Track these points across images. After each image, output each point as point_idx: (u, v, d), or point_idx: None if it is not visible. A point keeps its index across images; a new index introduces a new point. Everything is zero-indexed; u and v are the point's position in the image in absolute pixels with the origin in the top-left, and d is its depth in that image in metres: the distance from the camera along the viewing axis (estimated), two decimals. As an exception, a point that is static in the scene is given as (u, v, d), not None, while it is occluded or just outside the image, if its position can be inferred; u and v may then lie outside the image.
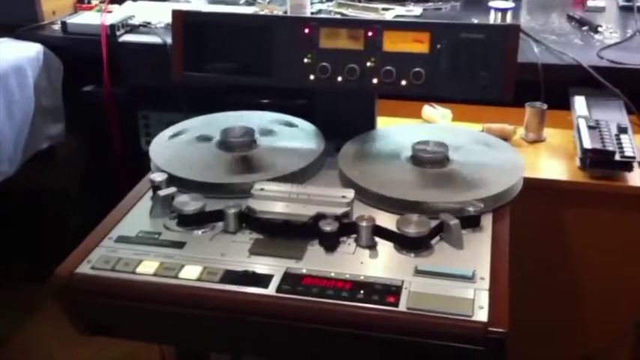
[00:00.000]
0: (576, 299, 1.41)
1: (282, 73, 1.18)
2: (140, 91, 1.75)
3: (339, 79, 1.16)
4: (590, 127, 1.35)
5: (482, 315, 0.84)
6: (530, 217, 1.28)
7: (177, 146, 1.22)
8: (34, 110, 1.73)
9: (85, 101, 1.80)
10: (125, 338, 1.04)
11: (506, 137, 1.44)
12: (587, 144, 1.30)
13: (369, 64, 1.15)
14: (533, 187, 1.20)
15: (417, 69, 1.14)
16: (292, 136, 1.25)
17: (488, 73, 1.12)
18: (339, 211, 0.98)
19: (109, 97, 1.74)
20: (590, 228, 1.35)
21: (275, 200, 1.01)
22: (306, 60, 1.17)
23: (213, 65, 1.22)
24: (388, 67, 1.14)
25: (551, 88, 1.51)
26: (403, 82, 1.15)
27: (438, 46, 1.13)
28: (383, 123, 1.35)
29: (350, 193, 1.02)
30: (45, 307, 1.80)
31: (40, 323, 1.85)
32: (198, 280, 0.91)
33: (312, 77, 1.17)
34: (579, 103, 1.47)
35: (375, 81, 1.16)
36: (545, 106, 1.44)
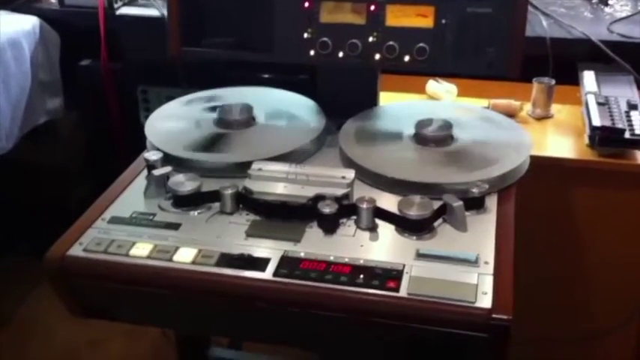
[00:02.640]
0: (583, 278, 1.39)
1: (281, 49, 1.14)
2: (139, 66, 1.72)
3: (340, 54, 1.12)
4: (599, 104, 1.32)
5: (485, 301, 0.81)
6: (536, 196, 1.26)
7: (174, 124, 1.18)
8: (30, 84, 1.71)
9: (83, 76, 1.76)
10: (120, 321, 1.02)
11: (512, 113, 1.40)
12: (597, 121, 1.26)
13: (371, 39, 1.11)
14: (540, 165, 1.16)
15: (421, 44, 1.10)
16: (292, 113, 1.21)
17: (494, 48, 1.08)
18: (339, 192, 0.95)
19: (107, 71, 1.71)
20: (599, 207, 1.32)
21: (273, 181, 0.98)
22: (306, 35, 1.13)
23: (211, 40, 1.18)
24: (391, 43, 1.10)
25: (560, 62, 1.47)
26: (406, 58, 1.11)
27: (443, 20, 1.09)
28: (386, 99, 1.31)
29: (350, 174, 0.99)
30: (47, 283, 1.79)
31: (43, 299, 1.84)
32: (193, 263, 0.88)
33: (312, 53, 1.13)
34: (588, 78, 1.43)
35: (377, 57, 1.12)
36: (553, 82, 1.41)
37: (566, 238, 1.36)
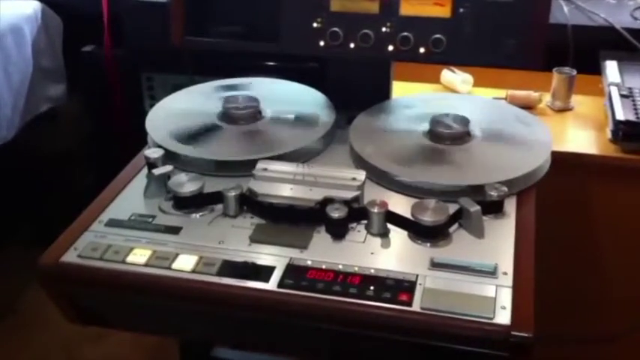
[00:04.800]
0: (602, 279, 1.34)
1: (289, 39, 1.08)
2: (143, 52, 1.66)
3: (352, 45, 1.06)
4: (622, 96, 1.26)
5: (504, 317, 0.76)
6: (555, 193, 1.19)
7: (176, 118, 1.13)
8: (32, 71, 1.66)
9: (86, 62, 1.71)
10: (118, 329, 0.97)
11: (531, 105, 1.35)
12: (620, 115, 1.21)
13: (384, 29, 1.05)
14: (560, 160, 1.10)
15: (438, 35, 1.03)
16: (300, 106, 1.16)
17: (515, 39, 1.02)
18: (349, 195, 0.90)
19: (110, 58, 1.66)
20: (621, 205, 1.27)
21: (279, 182, 0.93)
22: (315, 24, 1.07)
23: (215, 29, 1.12)
24: (405, 34, 1.04)
25: (581, 51, 1.41)
26: (422, 50, 1.05)
27: (461, 9, 1.03)
28: (398, 88, 1.25)
29: (361, 175, 0.93)
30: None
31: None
32: (193, 271, 0.83)
33: (321, 43, 1.07)
34: (611, 68, 1.37)
35: (390, 48, 1.05)
36: (574, 72, 1.34)
37: (585, 237, 1.31)
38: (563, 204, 1.27)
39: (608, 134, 1.25)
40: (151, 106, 1.23)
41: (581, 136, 1.29)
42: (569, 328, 1.36)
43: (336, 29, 1.06)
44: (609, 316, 1.36)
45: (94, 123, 1.84)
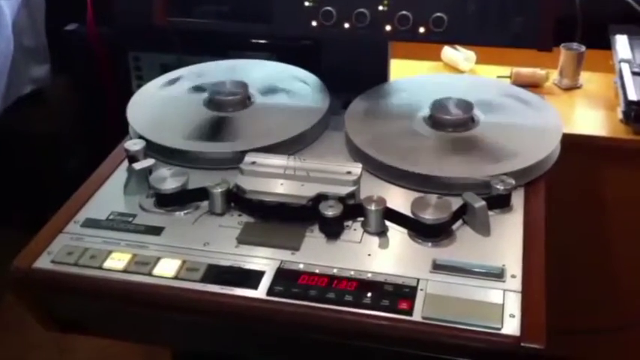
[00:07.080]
0: (614, 268, 1.28)
1: (279, 19, 1.01)
2: (129, 30, 1.58)
3: (346, 25, 0.99)
4: (634, 74, 1.19)
5: (512, 326, 0.70)
6: (561, 177, 1.12)
7: (159, 106, 1.06)
8: (14, 52, 1.58)
9: (69, 42, 1.63)
10: (97, 336, 0.91)
11: (537, 83, 1.29)
12: (632, 95, 1.14)
13: (381, 8, 0.97)
14: (568, 143, 1.04)
15: (439, 14, 0.96)
16: (292, 90, 1.09)
17: (522, 18, 0.95)
18: (344, 190, 0.83)
19: (94, 36, 1.58)
20: (632, 190, 1.20)
21: (268, 177, 0.86)
22: (307, 3, 0.99)
23: (202, 9, 1.05)
24: (404, 12, 0.96)
25: (590, 25, 1.33)
26: (421, 30, 0.97)
27: (464, -15, 0.95)
28: (396, 67, 1.19)
29: (356, 169, 0.86)
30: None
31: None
32: (176, 278, 0.76)
33: (314, 24, 1.00)
34: (621, 43, 1.30)
35: (388, 28, 0.98)
36: (583, 48, 1.27)
37: (596, 223, 1.25)
38: (571, 188, 1.20)
39: (619, 115, 1.18)
40: (139, 86, 1.16)
41: (590, 117, 1.23)
42: (579, 317, 1.31)
43: (329, 8, 0.99)
44: (622, 304, 1.31)
45: (80, 104, 1.77)
